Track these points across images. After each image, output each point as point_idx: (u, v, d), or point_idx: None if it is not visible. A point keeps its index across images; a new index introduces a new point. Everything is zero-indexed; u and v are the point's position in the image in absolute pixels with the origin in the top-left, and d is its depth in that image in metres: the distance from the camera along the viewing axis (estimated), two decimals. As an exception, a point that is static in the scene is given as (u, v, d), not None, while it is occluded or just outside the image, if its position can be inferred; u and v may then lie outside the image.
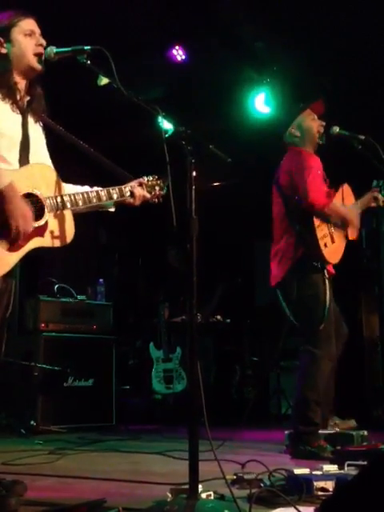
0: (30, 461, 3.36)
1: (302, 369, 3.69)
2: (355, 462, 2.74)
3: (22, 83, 2.50)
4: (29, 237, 2.33)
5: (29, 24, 2.49)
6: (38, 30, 2.51)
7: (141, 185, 2.70)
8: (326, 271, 3.69)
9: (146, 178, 2.73)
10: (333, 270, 3.80)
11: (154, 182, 2.73)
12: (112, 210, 2.73)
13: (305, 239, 3.64)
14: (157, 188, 2.72)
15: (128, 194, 2.65)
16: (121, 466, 3.36)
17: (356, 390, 5.22)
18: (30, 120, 2.51)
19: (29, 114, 2.50)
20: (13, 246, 2.30)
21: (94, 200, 2.53)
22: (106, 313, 5.67)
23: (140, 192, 2.68)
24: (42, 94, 2.54)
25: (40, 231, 2.38)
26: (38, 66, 2.46)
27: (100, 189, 2.58)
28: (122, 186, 2.66)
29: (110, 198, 2.59)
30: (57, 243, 2.43)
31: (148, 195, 2.71)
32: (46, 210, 2.38)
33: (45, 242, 2.40)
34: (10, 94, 2.44)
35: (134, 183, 2.69)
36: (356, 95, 5.83)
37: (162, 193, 2.71)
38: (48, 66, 2.47)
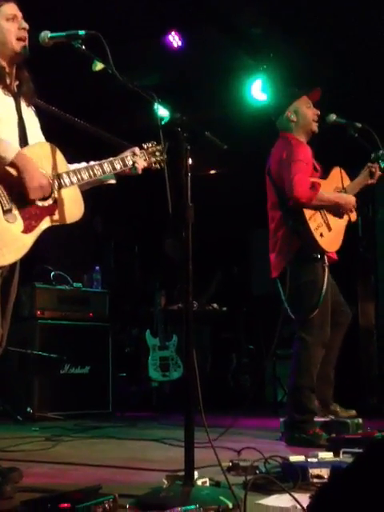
0: (27, 447, 3.37)
1: (295, 356, 3.69)
2: (350, 450, 2.75)
3: (8, 68, 2.47)
4: (41, 216, 2.34)
5: (10, 8, 2.45)
6: (19, 14, 2.46)
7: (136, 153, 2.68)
8: (325, 258, 3.67)
9: (145, 145, 2.71)
10: (335, 256, 3.78)
11: (154, 148, 2.71)
12: (113, 181, 2.71)
13: (299, 233, 3.62)
14: (157, 154, 2.70)
15: (130, 163, 2.63)
16: (117, 453, 3.37)
17: (351, 378, 5.24)
18: (23, 104, 2.49)
19: (20, 98, 2.48)
20: (27, 228, 2.29)
21: (98, 173, 2.53)
22: (102, 300, 5.66)
23: (141, 162, 2.66)
24: (29, 77, 2.51)
25: (51, 210, 2.38)
26: (22, 50, 2.42)
27: (102, 161, 2.57)
28: (123, 156, 2.64)
29: (114, 168, 2.58)
30: (68, 220, 2.42)
31: (146, 164, 2.69)
32: (53, 188, 2.38)
33: (56, 220, 2.40)
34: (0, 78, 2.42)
35: (128, 153, 2.66)
36: (354, 82, 5.80)
37: (162, 158, 2.67)
38: (42, 50, 2.44)
